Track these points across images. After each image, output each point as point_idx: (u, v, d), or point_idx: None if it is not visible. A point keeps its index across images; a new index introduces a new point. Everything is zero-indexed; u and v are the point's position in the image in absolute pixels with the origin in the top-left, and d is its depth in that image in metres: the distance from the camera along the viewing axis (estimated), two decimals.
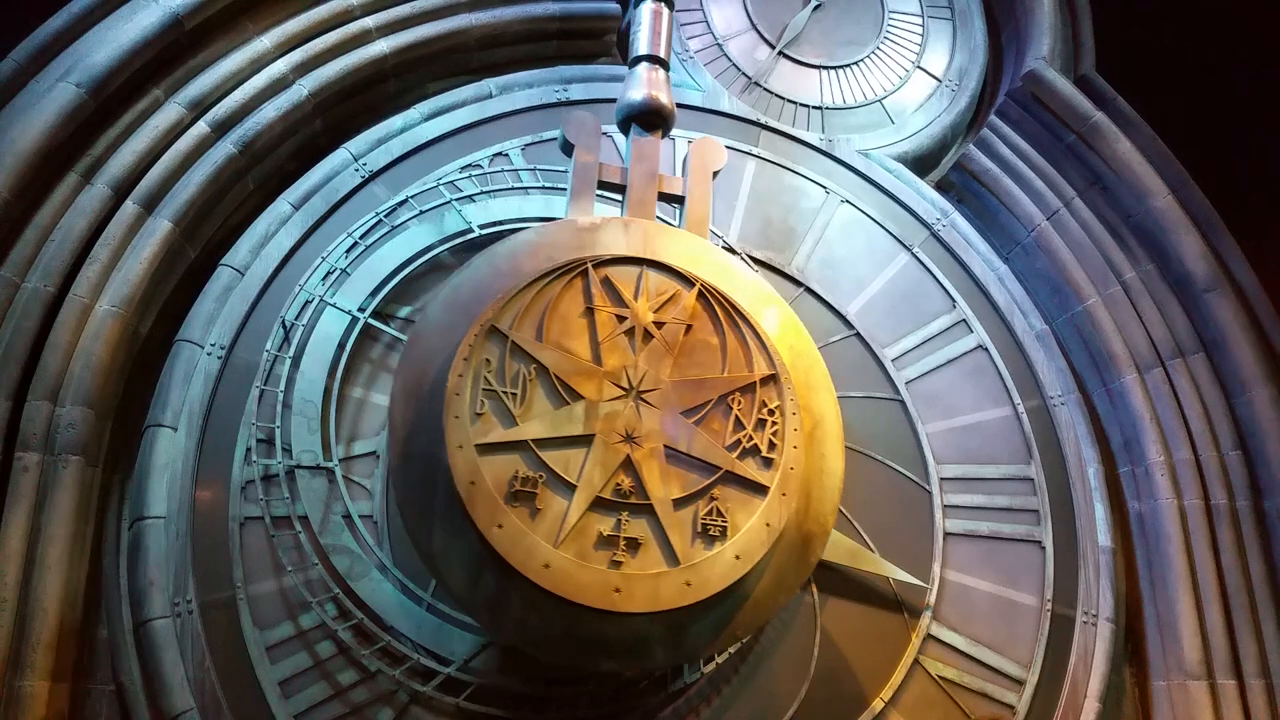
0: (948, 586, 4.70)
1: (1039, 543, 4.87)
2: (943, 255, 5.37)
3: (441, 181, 4.80)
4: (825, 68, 5.77)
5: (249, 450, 4.21)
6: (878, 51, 5.88)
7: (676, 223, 4.46)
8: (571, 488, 3.48)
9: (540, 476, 3.46)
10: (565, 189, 4.86)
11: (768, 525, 3.58)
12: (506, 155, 4.98)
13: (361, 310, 4.47)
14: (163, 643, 3.93)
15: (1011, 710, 4.57)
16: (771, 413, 3.76)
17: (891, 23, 5.96)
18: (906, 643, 4.56)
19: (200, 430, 4.25)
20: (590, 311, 3.75)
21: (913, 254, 5.32)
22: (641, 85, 4.47)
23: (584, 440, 3.55)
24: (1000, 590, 4.77)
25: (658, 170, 4.37)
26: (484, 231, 4.70)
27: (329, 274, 4.51)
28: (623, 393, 3.67)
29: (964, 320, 5.24)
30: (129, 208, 4.37)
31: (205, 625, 3.99)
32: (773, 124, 5.46)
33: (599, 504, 3.48)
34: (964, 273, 5.35)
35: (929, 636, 4.59)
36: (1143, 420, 5.14)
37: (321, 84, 4.83)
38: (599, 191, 4.35)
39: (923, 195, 5.53)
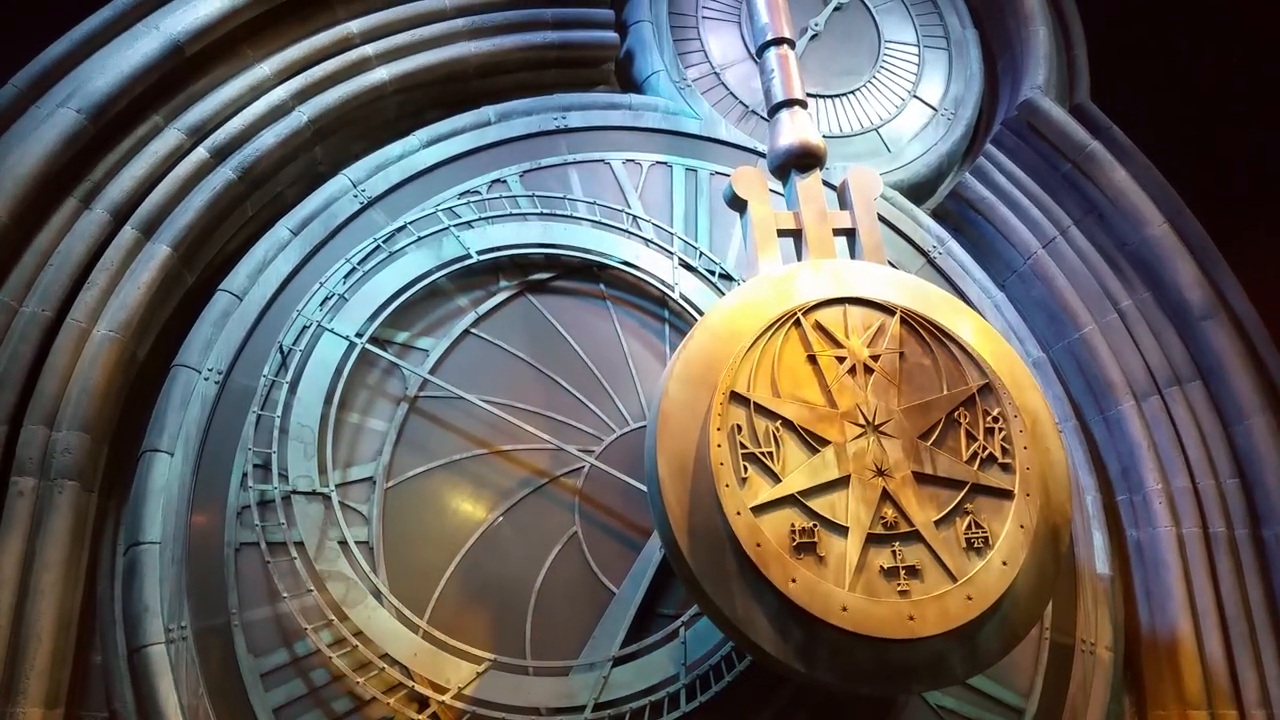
0: None
1: None
2: (939, 283, 5.37)
3: (440, 208, 4.82)
4: (822, 97, 5.82)
5: (245, 475, 4.20)
6: (874, 81, 5.93)
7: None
8: (844, 529, 3.59)
9: (814, 525, 3.58)
10: (562, 215, 4.92)
11: (1022, 527, 3.70)
12: (505, 182, 5.01)
13: (359, 336, 4.47)
14: (157, 669, 3.91)
15: None
16: (996, 419, 3.89)
17: (887, 52, 6.01)
18: None
19: (196, 455, 4.24)
20: (812, 358, 3.88)
21: None
22: (789, 131, 4.56)
23: (842, 483, 3.67)
24: None
25: (825, 208, 4.46)
26: (482, 257, 4.72)
27: (327, 299, 4.51)
28: (862, 430, 3.78)
29: None
30: (127, 233, 4.39)
31: (200, 652, 3.97)
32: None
33: (872, 540, 3.59)
34: (961, 300, 5.36)
35: None
36: (1140, 448, 5.14)
37: (321, 111, 4.86)
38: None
39: (919, 223, 5.56)
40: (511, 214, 4.89)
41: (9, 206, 4.08)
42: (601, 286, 4.91)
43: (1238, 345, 5.08)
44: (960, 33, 6.18)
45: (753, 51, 5.75)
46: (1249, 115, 6.34)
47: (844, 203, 4.55)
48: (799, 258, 4.42)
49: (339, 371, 4.41)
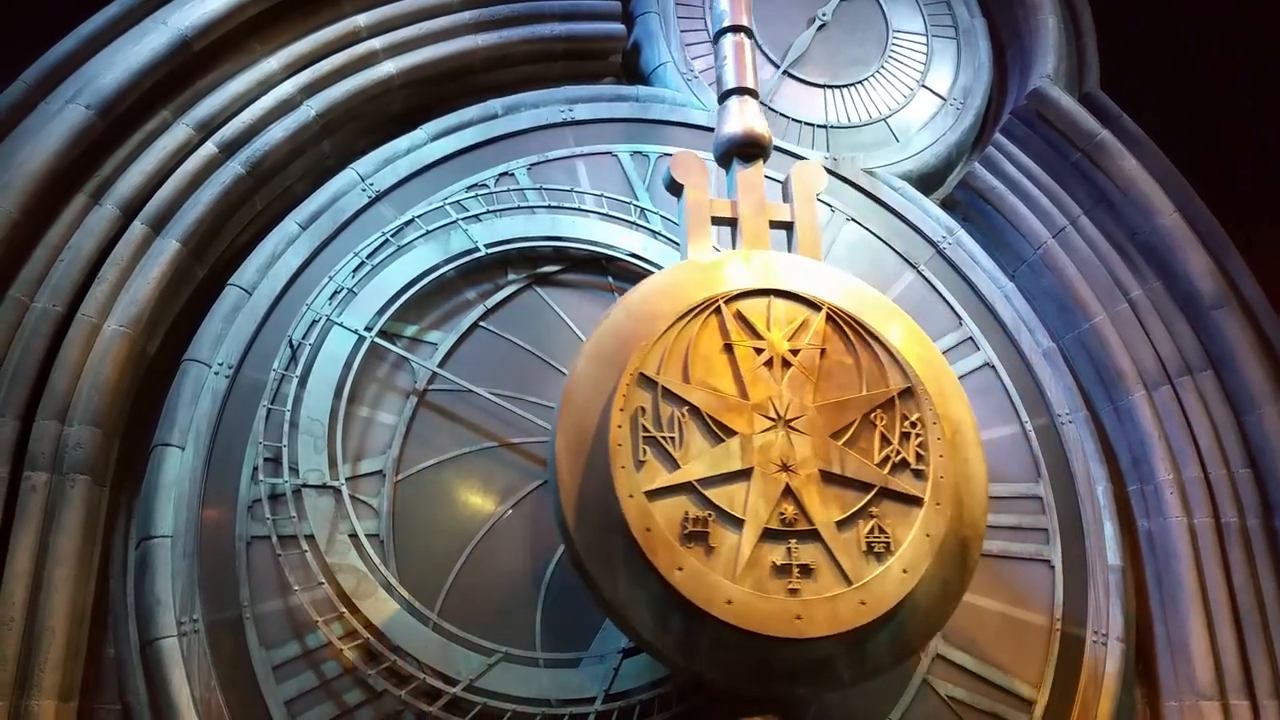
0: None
1: (1048, 562, 4.85)
2: (949, 273, 5.38)
3: (448, 201, 4.82)
4: (830, 87, 5.80)
5: (256, 469, 4.21)
6: (882, 70, 5.91)
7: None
8: (740, 522, 3.54)
9: (709, 515, 3.52)
10: (570, 208, 4.92)
11: (928, 536, 3.63)
12: (512, 175, 5.01)
13: (368, 329, 4.48)
14: (169, 662, 3.93)
15: None
16: (914, 425, 3.82)
17: (896, 42, 5.99)
18: (915, 662, 4.52)
19: (207, 449, 4.26)
20: (729, 347, 3.82)
21: (919, 272, 5.32)
22: (736, 119, 4.50)
23: (744, 474, 3.61)
24: (1009, 609, 4.74)
25: (765, 200, 4.41)
26: (490, 251, 4.72)
27: (336, 293, 4.52)
28: (772, 423, 3.72)
29: (971, 338, 5.23)
30: (137, 228, 4.40)
31: (212, 644, 3.99)
32: (777, 143, 5.46)
33: (768, 534, 3.54)
34: (970, 290, 5.36)
35: (938, 656, 4.55)
36: (1151, 438, 5.12)
37: (329, 105, 4.87)
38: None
39: (928, 213, 5.54)
40: (519, 207, 4.89)
41: (20, 202, 4.10)
42: (609, 279, 4.91)
43: (1249, 334, 5.05)
44: (969, 22, 6.16)
45: (759, 42, 5.77)
46: (1255, 108, 6.31)
47: (786, 195, 4.50)
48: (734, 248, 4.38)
49: (348, 365, 4.42)
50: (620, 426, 3.55)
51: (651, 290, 3.95)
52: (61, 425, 4.09)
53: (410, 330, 4.60)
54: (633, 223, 4.97)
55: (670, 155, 5.20)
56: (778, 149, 5.42)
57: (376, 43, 5.02)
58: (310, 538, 4.11)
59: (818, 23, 5.91)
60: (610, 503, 3.47)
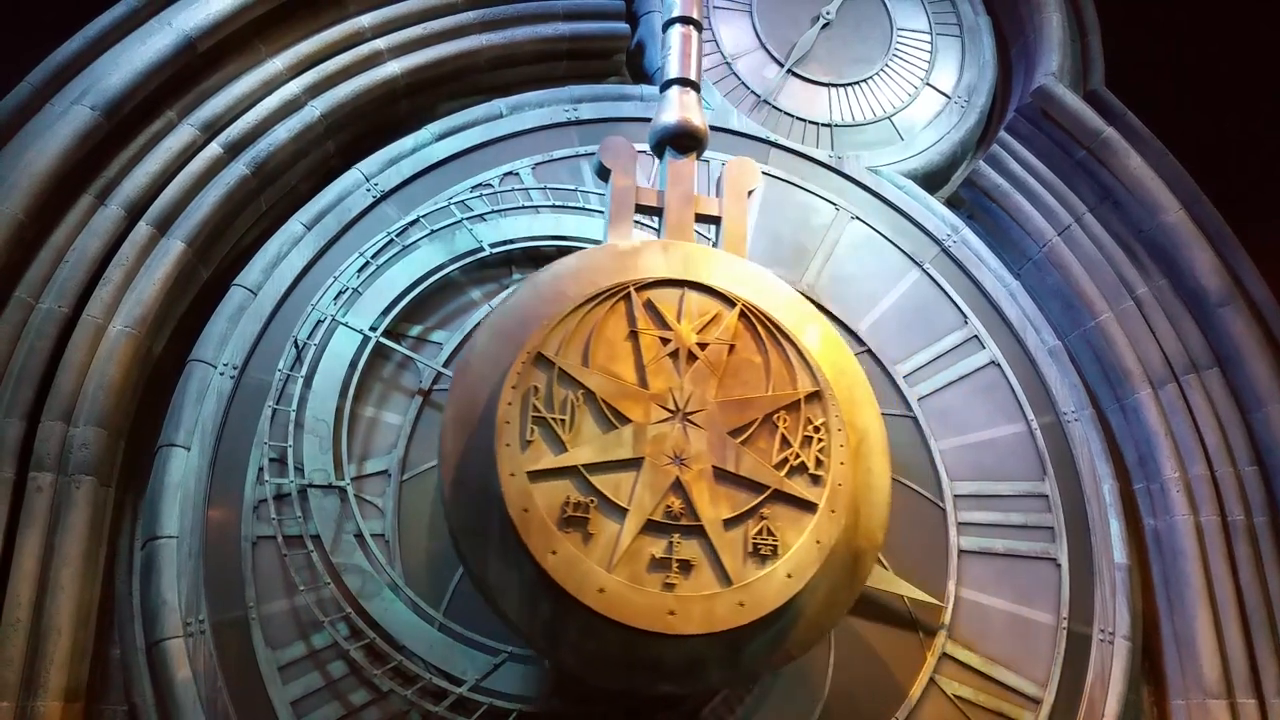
0: (963, 604, 4.67)
1: (1054, 560, 4.84)
2: (954, 271, 5.36)
3: (452, 201, 4.82)
4: (834, 85, 5.79)
5: (261, 469, 4.22)
6: (886, 69, 5.90)
7: (712, 243, 4.46)
8: (623, 511, 3.48)
9: (592, 501, 3.46)
10: (574, 207, 4.91)
11: (818, 543, 3.57)
12: (517, 174, 5.01)
13: (373, 329, 4.48)
14: (175, 663, 3.94)
15: None
16: (817, 430, 3.75)
17: (900, 40, 5.98)
18: (922, 662, 4.52)
19: (213, 450, 4.26)
20: (634, 335, 3.77)
21: (924, 270, 5.32)
22: (674, 109, 4.48)
23: (633, 464, 3.56)
24: (1016, 608, 4.73)
25: (693, 192, 4.38)
26: (495, 250, 4.72)
27: (341, 293, 4.53)
28: (669, 415, 3.66)
29: (976, 336, 5.22)
30: (142, 229, 4.40)
31: (218, 645, 4.00)
32: (782, 141, 5.48)
33: (650, 527, 3.48)
34: (975, 289, 5.35)
35: (944, 655, 4.55)
36: (1157, 436, 5.10)
37: (333, 105, 4.87)
38: (635, 216, 4.36)
39: (933, 211, 5.53)
40: (524, 206, 4.89)
41: (25, 204, 4.10)
42: None
43: (1255, 331, 5.04)
44: (973, 20, 6.15)
45: (764, 41, 5.77)
46: (1259, 105, 6.30)
47: (718, 190, 4.47)
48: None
49: (353, 365, 4.42)
50: (510, 404, 3.50)
51: (562, 271, 3.92)
52: (67, 426, 4.09)
53: (415, 330, 4.61)
54: (637, 222, 4.93)
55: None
56: (781, 147, 5.44)
57: (381, 43, 5.03)
58: (316, 538, 4.12)
59: (822, 21, 5.90)
60: (490, 479, 3.43)
